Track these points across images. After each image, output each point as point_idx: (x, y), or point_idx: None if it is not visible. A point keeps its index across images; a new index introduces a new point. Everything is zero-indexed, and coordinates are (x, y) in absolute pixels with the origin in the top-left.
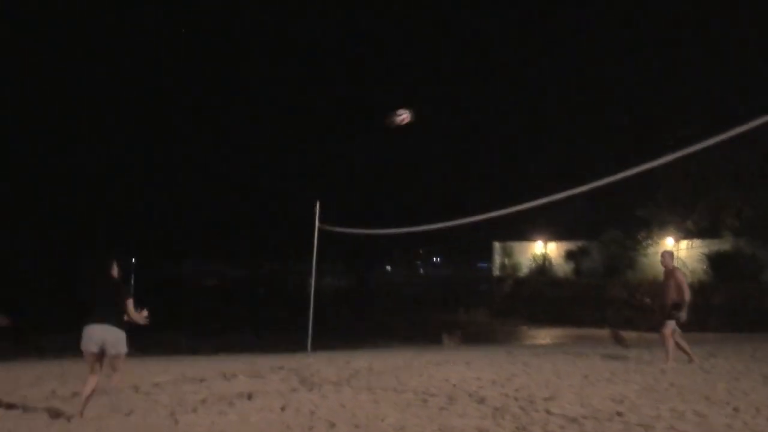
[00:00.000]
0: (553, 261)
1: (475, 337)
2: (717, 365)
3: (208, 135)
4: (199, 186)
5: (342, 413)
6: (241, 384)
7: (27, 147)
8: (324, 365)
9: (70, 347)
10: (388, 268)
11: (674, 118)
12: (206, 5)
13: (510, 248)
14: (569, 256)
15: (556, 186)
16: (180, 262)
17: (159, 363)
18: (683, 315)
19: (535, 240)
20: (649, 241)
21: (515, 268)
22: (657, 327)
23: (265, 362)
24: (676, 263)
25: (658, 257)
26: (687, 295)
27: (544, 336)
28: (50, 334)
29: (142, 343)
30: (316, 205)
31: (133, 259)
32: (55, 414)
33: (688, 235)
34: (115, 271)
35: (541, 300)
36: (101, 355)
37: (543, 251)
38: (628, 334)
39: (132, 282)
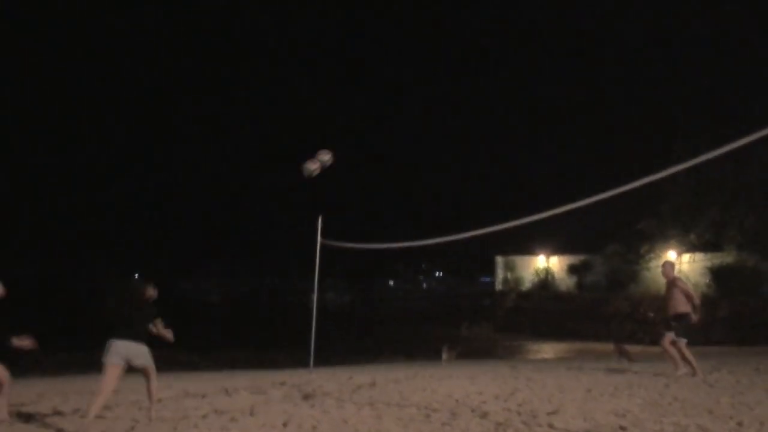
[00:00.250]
0: (556, 275)
1: (477, 351)
2: (721, 379)
3: (210, 152)
4: (202, 203)
5: (344, 429)
6: (243, 400)
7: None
8: (326, 381)
9: (70, 364)
10: (391, 282)
11: (678, 132)
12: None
13: (512, 262)
14: (572, 270)
15: (558, 199)
16: (183, 279)
17: (161, 379)
18: (694, 318)
19: (537, 254)
20: (652, 255)
21: (518, 282)
22: (657, 339)
23: (267, 378)
24: (678, 276)
25: (660, 269)
26: (696, 301)
27: (547, 350)
28: (49, 351)
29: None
30: (318, 221)
31: (136, 275)
32: (58, 430)
33: (691, 248)
34: (149, 292)
35: (544, 314)
36: (123, 368)
37: (545, 265)
38: (632, 348)
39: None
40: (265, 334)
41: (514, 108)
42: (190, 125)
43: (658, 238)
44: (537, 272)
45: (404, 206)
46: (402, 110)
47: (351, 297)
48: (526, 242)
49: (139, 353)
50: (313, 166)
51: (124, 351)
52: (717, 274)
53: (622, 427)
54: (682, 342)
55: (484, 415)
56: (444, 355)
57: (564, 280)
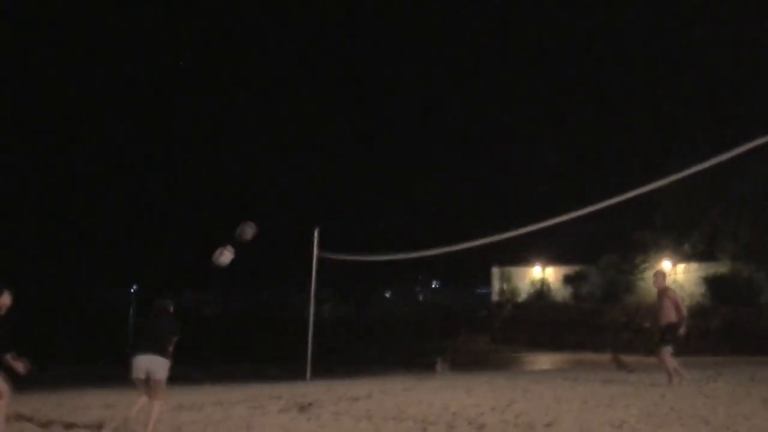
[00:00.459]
0: (552, 285)
1: (474, 363)
2: (717, 389)
3: (206, 163)
4: (197, 213)
5: None
6: (239, 413)
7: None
8: (323, 394)
9: (66, 378)
10: (388, 294)
11: (672, 142)
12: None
13: (508, 273)
14: (567, 280)
15: (553, 210)
16: (180, 292)
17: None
18: (681, 331)
19: (533, 265)
20: (647, 265)
21: (514, 293)
22: (653, 352)
23: (263, 391)
24: (673, 286)
25: (652, 279)
26: (684, 312)
27: (544, 361)
28: (43, 365)
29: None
30: (314, 234)
31: (133, 288)
32: None
33: (686, 258)
34: (171, 310)
35: (540, 325)
36: (148, 380)
37: (541, 276)
38: (628, 358)
39: (131, 313)
40: (262, 347)
41: (508, 118)
42: (188, 136)
43: (652, 248)
44: (533, 283)
45: (400, 218)
46: (394, 121)
47: (348, 309)
48: (522, 253)
49: (158, 368)
50: (224, 258)
51: (145, 366)
52: (712, 284)
53: None
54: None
55: (481, 427)
56: (438, 367)
57: (560, 291)
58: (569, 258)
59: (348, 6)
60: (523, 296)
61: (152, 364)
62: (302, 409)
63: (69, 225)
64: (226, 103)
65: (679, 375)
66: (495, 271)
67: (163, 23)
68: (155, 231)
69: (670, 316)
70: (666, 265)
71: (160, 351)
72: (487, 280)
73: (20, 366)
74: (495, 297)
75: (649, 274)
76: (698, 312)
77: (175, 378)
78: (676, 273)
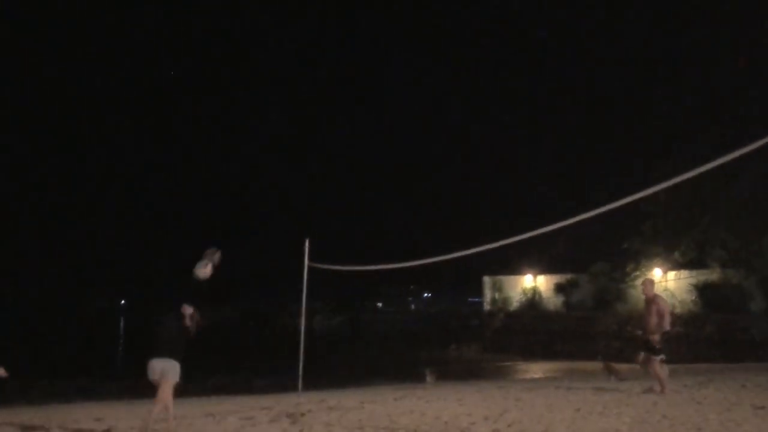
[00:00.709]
0: (543, 294)
1: (466, 372)
2: (708, 396)
3: (196, 174)
4: (187, 224)
5: None
6: (231, 425)
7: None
8: (315, 405)
9: (55, 393)
10: (380, 304)
11: (661, 150)
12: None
13: (500, 282)
14: (558, 289)
15: (544, 219)
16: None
17: (149, 404)
18: (655, 340)
19: (524, 273)
20: (638, 273)
21: (506, 302)
22: (646, 363)
23: (255, 402)
24: (664, 294)
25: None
26: (667, 323)
27: (536, 370)
28: (32, 380)
29: (128, 384)
30: (305, 243)
31: (123, 301)
32: None
33: (676, 266)
34: (186, 319)
35: (532, 334)
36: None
37: (533, 285)
38: (620, 366)
39: (121, 324)
40: (253, 358)
41: (500, 126)
42: (181, 145)
43: (643, 256)
44: (524, 292)
45: (391, 228)
46: (389, 130)
47: (339, 319)
48: (513, 262)
49: (169, 369)
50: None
51: (159, 368)
52: (702, 291)
53: None
54: (641, 355)
55: None
56: (428, 377)
57: (551, 300)
58: (560, 266)
59: (347, 7)
60: (514, 305)
61: (166, 366)
62: (294, 420)
63: (58, 238)
64: (217, 120)
65: (659, 385)
66: (486, 280)
67: (162, 24)
68: (146, 243)
69: (653, 323)
70: (657, 272)
71: (173, 354)
72: (479, 290)
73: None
74: (487, 306)
75: (640, 282)
76: (689, 319)
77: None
78: (667, 280)
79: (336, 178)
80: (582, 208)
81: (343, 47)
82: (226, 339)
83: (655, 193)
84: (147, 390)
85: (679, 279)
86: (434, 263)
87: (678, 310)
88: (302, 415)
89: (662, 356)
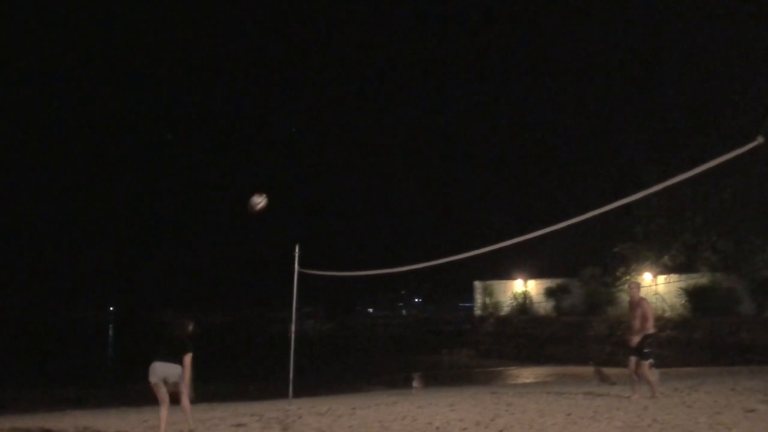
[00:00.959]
0: (534, 299)
1: (457, 377)
2: (699, 399)
3: (188, 182)
4: (181, 232)
5: None
6: None
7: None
8: (306, 412)
9: (44, 401)
10: (371, 310)
11: (650, 155)
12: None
13: (491, 287)
14: (549, 293)
15: (534, 224)
16: (162, 310)
17: (139, 413)
18: (635, 339)
19: (515, 278)
20: (628, 277)
21: (496, 306)
22: (636, 368)
23: (246, 410)
24: (654, 298)
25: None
26: (651, 325)
27: (527, 375)
28: (21, 388)
29: (118, 392)
30: (295, 249)
31: (111, 308)
32: None
33: (666, 270)
34: (190, 329)
35: (523, 339)
36: (163, 385)
37: (523, 289)
38: (611, 371)
39: (110, 331)
40: (244, 366)
41: (491, 134)
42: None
43: (633, 260)
44: (515, 296)
45: (382, 234)
46: (380, 136)
47: (331, 325)
48: (503, 267)
49: (174, 374)
50: (258, 201)
51: (161, 371)
52: (692, 295)
53: None
54: (632, 360)
55: None
56: (415, 383)
57: (542, 304)
58: (551, 271)
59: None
60: (505, 310)
61: (168, 371)
62: (285, 427)
63: (45, 247)
64: (205, 126)
65: (650, 389)
66: (477, 285)
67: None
68: (134, 250)
69: (640, 325)
70: (647, 276)
71: (175, 359)
72: (470, 295)
73: None
74: (478, 311)
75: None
76: (680, 323)
77: (156, 399)
78: (657, 284)
79: (327, 185)
80: (572, 213)
81: (335, 52)
82: (217, 345)
83: (646, 197)
84: (137, 398)
85: (669, 283)
86: (425, 269)
87: (668, 314)
88: (293, 422)
89: (651, 360)
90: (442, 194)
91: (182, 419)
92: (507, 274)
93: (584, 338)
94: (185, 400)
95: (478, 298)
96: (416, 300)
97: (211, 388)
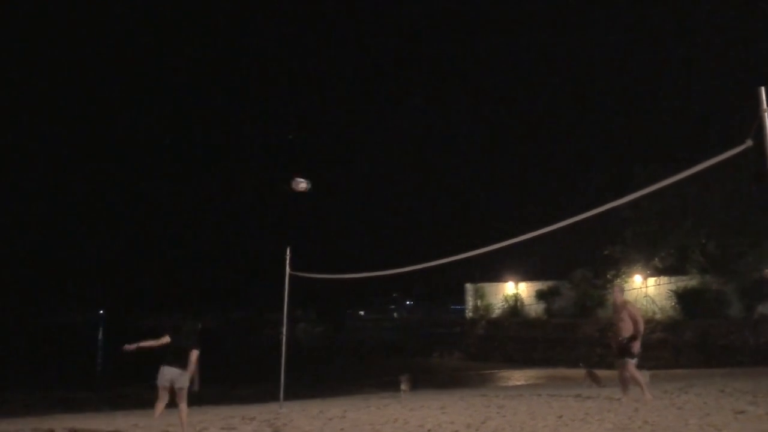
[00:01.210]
0: (525, 301)
1: (449, 380)
2: (689, 401)
3: (178, 185)
4: (171, 235)
5: None
6: None
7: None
8: (297, 415)
9: (33, 405)
10: (362, 312)
11: (640, 157)
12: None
13: (482, 289)
14: (540, 295)
15: (525, 226)
16: (154, 313)
17: (128, 417)
18: (636, 346)
19: (506, 281)
20: (619, 280)
21: (488, 309)
22: (618, 366)
23: (236, 413)
24: (644, 300)
25: (629, 294)
26: (641, 328)
27: (519, 377)
28: (9, 392)
29: (107, 395)
30: (286, 252)
31: (101, 312)
32: None
33: (656, 272)
34: (198, 329)
35: (515, 341)
36: (170, 388)
37: (514, 291)
38: (602, 373)
39: (100, 335)
40: (235, 369)
41: (481, 136)
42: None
43: (623, 263)
44: (506, 299)
45: (373, 236)
46: (371, 138)
47: (322, 328)
48: (495, 269)
49: (179, 377)
50: (301, 185)
51: (169, 375)
52: (682, 297)
53: None
54: (620, 362)
55: None
56: (402, 386)
57: (533, 307)
58: (542, 273)
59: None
60: (496, 312)
61: (175, 376)
62: (275, 429)
63: (34, 250)
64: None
65: (623, 391)
66: (468, 287)
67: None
68: (124, 254)
69: (629, 329)
70: (637, 279)
71: (182, 365)
72: (461, 297)
73: None
74: (469, 313)
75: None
76: (670, 325)
77: (146, 402)
78: (647, 286)
79: (318, 188)
80: (563, 215)
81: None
82: (207, 348)
83: (636, 200)
84: (126, 401)
85: (659, 285)
86: (417, 271)
87: (658, 317)
88: (284, 425)
89: (635, 360)
90: (433, 197)
91: (177, 423)
92: (498, 277)
93: (575, 340)
94: (183, 406)
95: (470, 301)
96: (408, 303)
97: (201, 390)
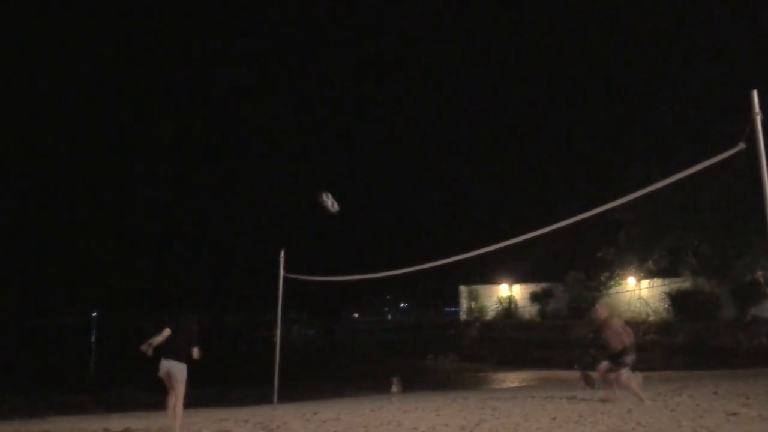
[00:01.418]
0: (519, 303)
1: (443, 382)
2: (681, 403)
3: (173, 186)
4: (164, 237)
5: None
6: None
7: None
8: (291, 417)
9: (26, 407)
10: (356, 315)
11: (632, 161)
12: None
13: (476, 292)
14: (534, 298)
15: (519, 228)
16: (148, 315)
17: (122, 419)
18: (630, 358)
19: (500, 283)
20: (612, 282)
21: (482, 311)
22: (616, 378)
23: (230, 415)
24: (638, 303)
25: (623, 296)
26: (628, 340)
27: (513, 379)
28: (1, 395)
29: (101, 398)
30: (281, 254)
31: (94, 313)
32: None
33: (649, 274)
34: (195, 328)
35: (509, 343)
36: (168, 379)
37: (508, 294)
38: (596, 375)
39: (93, 336)
40: (228, 371)
41: (476, 139)
42: (152, 158)
43: (617, 265)
44: (500, 301)
45: (368, 238)
46: (367, 141)
47: (316, 330)
48: (489, 271)
49: (177, 371)
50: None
51: (166, 368)
52: (675, 299)
53: None
54: (604, 364)
55: None
56: (393, 387)
57: (527, 309)
58: (536, 276)
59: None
60: (490, 314)
61: (173, 368)
62: (269, 431)
63: (27, 252)
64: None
65: (613, 395)
66: (463, 289)
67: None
68: (116, 256)
69: (619, 341)
70: (630, 281)
71: (180, 358)
72: (456, 299)
73: None
74: (463, 316)
75: (614, 291)
76: (663, 327)
77: (139, 404)
78: (641, 289)
79: (313, 189)
80: (556, 218)
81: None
82: (203, 349)
83: (629, 203)
84: (119, 404)
85: (652, 287)
86: (411, 273)
87: (651, 318)
88: (278, 427)
89: (625, 370)
90: (427, 200)
91: (171, 424)
92: (492, 279)
93: (569, 342)
94: (179, 406)
95: (464, 303)
96: (402, 305)
97: (194, 392)
